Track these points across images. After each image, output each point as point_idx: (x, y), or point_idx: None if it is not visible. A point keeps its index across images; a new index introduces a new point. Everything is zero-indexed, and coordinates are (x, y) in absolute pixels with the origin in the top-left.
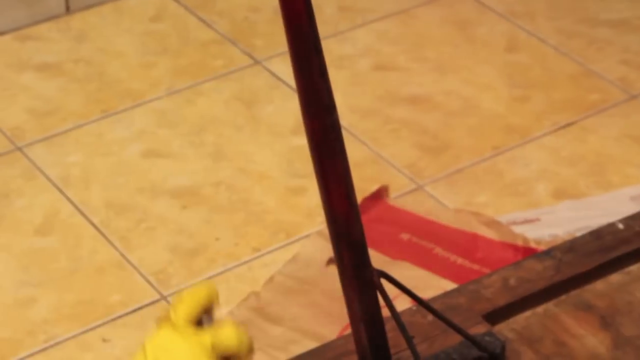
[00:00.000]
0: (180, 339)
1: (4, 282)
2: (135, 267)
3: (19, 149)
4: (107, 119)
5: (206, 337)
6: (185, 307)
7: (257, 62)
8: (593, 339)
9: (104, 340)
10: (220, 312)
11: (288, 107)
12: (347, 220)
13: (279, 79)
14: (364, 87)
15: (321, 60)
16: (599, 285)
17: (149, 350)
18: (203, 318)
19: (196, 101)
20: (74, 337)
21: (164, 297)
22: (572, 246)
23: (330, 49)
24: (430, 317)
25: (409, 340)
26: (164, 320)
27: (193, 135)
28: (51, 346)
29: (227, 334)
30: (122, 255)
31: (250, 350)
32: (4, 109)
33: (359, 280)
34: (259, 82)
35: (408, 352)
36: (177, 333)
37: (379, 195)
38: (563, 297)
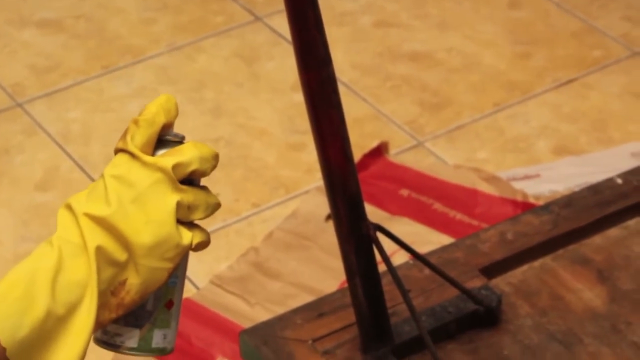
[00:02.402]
0: (139, 167)
1: (4, 237)
2: None
3: (20, 105)
4: (108, 76)
5: (165, 160)
6: (141, 132)
7: (257, 18)
8: (589, 293)
9: None
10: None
11: (288, 64)
12: (343, 173)
13: (279, 35)
14: (365, 43)
15: (317, 13)
16: (597, 239)
17: (108, 181)
18: (164, 137)
19: (196, 58)
20: None
21: None
22: (570, 201)
23: (332, 5)
24: (426, 271)
25: (404, 293)
26: (121, 148)
27: (193, 91)
28: None
29: (187, 154)
30: None
31: (214, 164)
32: (5, 65)
33: (355, 233)
34: (260, 39)
35: (404, 306)
36: (135, 160)
37: (379, 151)
38: (560, 251)
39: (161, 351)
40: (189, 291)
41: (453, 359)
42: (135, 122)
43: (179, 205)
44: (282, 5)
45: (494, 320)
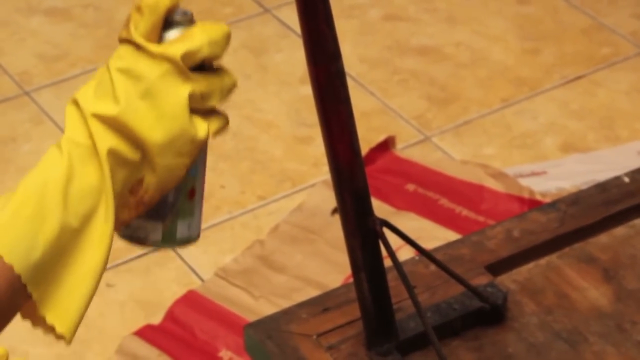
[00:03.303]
0: (145, 58)
1: None
2: None
3: (27, 93)
4: None
5: (173, 48)
6: (145, 19)
7: (266, 10)
8: (595, 292)
9: (108, 285)
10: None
11: (297, 57)
12: (351, 168)
13: (288, 27)
14: (373, 37)
15: (327, 7)
16: (603, 238)
17: (114, 77)
18: (173, 20)
19: None
20: None
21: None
22: (576, 199)
23: None
24: (432, 267)
25: (410, 289)
26: (124, 38)
27: None
28: None
29: (195, 39)
30: None
31: (225, 43)
32: (13, 54)
33: (361, 228)
34: (268, 31)
35: (409, 302)
36: (141, 52)
37: (386, 145)
38: (566, 249)
39: (186, 241)
40: (193, 283)
41: (458, 355)
42: (138, 8)
43: (191, 96)
44: None
45: (499, 318)
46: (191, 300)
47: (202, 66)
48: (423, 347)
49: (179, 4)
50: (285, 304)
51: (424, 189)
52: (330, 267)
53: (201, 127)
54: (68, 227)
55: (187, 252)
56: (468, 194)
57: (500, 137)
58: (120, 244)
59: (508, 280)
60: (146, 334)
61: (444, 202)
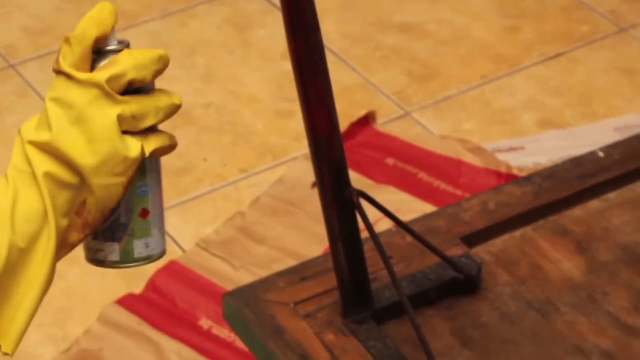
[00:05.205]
0: (74, 86)
1: None
2: None
3: (12, 66)
4: None
5: (99, 74)
6: (72, 49)
7: None
8: (568, 263)
9: None
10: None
11: (280, 32)
12: (328, 140)
13: (272, 3)
14: (355, 13)
15: None
16: (577, 211)
17: (48, 106)
18: (104, 47)
19: (189, 24)
20: None
21: None
22: (552, 172)
23: None
24: (408, 238)
25: (386, 259)
26: (57, 70)
27: (185, 57)
28: None
29: (121, 64)
30: None
31: (154, 66)
32: None
33: (338, 198)
34: (252, 7)
35: (385, 272)
36: (70, 80)
37: (367, 120)
38: (541, 222)
39: (146, 259)
40: (174, 253)
41: (432, 324)
42: (67, 40)
43: (120, 117)
44: None
45: (474, 288)
46: (172, 270)
47: (139, 89)
48: (398, 316)
49: (112, 33)
50: (264, 274)
51: (403, 162)
52: (309, 238)
53: (134, 147)
54: (15, 247)
55: (169, 223)
56: (446, 168)
57: (479, 112)
58: None
59: (483, 251)
60: (127, 302)
61: (423, 175)
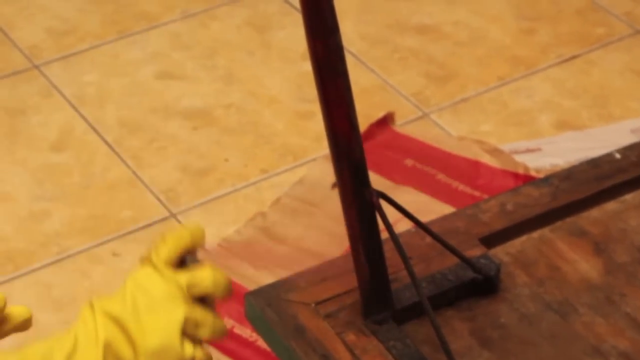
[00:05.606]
0: (158, 278)
1: (20, 195)
2: (146, 185)
3: (36, 67)
4: (123, 40)
5: (183, 277)
6: (167, 248)
7: None
8: (585, 265)
9: (114, 255)
10: (202, 255)
11: (300, 33)
12: (348, 141)
13: (291, 5)
14: (374, 15)
15: None
16: (594, 212)
17: (128, 286)
18: (187, 259)
19: (210, 25)
20: (85, 250)
21: (173, 215)
22: (569, 174)
23: None
24: (428, 239)
25: (406, 260)
26: (147, 259)
27: (206, 58)
28: (64, 258)
29: (203, 276)
30: (134, 172)
31: (227, 292)
32: (23, 28)
33: (359, 199)
34: (272, 8)
35: (405, 273)
36: (157, 272)
37: (385, 121)
38: (558, 223)
39: None
40: None
41: (451, 325)
42: (163, 238)
43: (186, 319)
44: None
45: (492, 289)
46: None
47: (204, 302)
48: (418, 316)
49: (197, 250)
50: (285, 274)
51: (422, 164)
52: (329, 239)
53: (188, 349)
54: None
55: (191, 223)
56: (465, 169)
57: (497, 114)
58: (125, 213)
59: (501, 252)
60: None
61: (442, 177)
